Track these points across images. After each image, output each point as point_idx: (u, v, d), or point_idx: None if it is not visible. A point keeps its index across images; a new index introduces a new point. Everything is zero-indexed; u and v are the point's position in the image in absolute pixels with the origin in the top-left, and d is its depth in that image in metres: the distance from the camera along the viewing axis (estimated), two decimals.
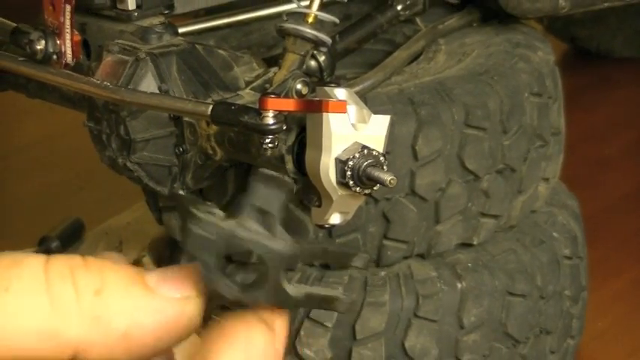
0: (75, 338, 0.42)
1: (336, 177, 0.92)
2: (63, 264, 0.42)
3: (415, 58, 1.37)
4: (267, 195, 0.52)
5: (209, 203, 0.50)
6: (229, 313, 0.48)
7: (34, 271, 0.42)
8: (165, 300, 0.44)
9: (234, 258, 0.49)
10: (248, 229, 0.50)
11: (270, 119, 0.91)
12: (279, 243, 0.50)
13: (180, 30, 1.21)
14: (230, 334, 0.46)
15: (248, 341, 0.46)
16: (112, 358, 0.43)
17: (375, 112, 0.93)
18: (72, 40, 1.06)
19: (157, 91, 1.06)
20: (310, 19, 1.09)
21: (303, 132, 0.96)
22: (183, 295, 0.45)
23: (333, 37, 1.24)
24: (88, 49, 1.17)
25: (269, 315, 0.47)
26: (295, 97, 1.04)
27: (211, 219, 0.49)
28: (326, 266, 1.27)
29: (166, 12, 1.17)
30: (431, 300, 1.26)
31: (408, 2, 1.42)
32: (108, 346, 0.43)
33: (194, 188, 1.11)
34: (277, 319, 0.48)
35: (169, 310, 0.44)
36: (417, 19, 1.46)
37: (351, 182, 0.92)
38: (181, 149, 1.08)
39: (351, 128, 0.92)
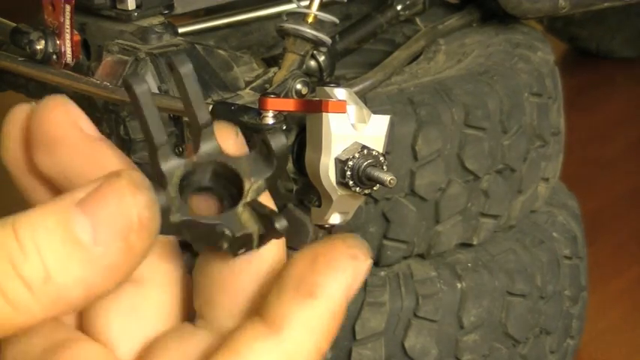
0: (40, 319, 0.42)
1: (336, 177, 0.92)
2: (4, 260, 0.42)
3: (415, 58, 1.37)
4: None
5: None
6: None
7: None
8: (111, 254, 0.42)
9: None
10: None
11: (269, 119, 0.92)
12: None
13: (180, 30, 1.22)
14: (334, 257, 0.46)
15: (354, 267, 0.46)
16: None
17: (375, 112, 0.93)
18: (72, 40, 1.06)
19: (157, 91, 1.06)
20: (310, 19, 1.09)
21: (302, 132, 0.96)
22: (127, 240, 0.42)
23: (333, 37, 1.24)
24: (88, 49, 1.17)
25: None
26: (295, 97, 1.04)
27: None
28: None
29: (166, 12, 1.17)
30: (431, 300, 1.26)
31: (408, 2, 1.42)
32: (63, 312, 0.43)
33: None
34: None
35: (117, 259, 0.42)
36: (417, 19, 1.46)
37: (350, 182, 0.92)
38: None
39: (351, 128, 0.92)
